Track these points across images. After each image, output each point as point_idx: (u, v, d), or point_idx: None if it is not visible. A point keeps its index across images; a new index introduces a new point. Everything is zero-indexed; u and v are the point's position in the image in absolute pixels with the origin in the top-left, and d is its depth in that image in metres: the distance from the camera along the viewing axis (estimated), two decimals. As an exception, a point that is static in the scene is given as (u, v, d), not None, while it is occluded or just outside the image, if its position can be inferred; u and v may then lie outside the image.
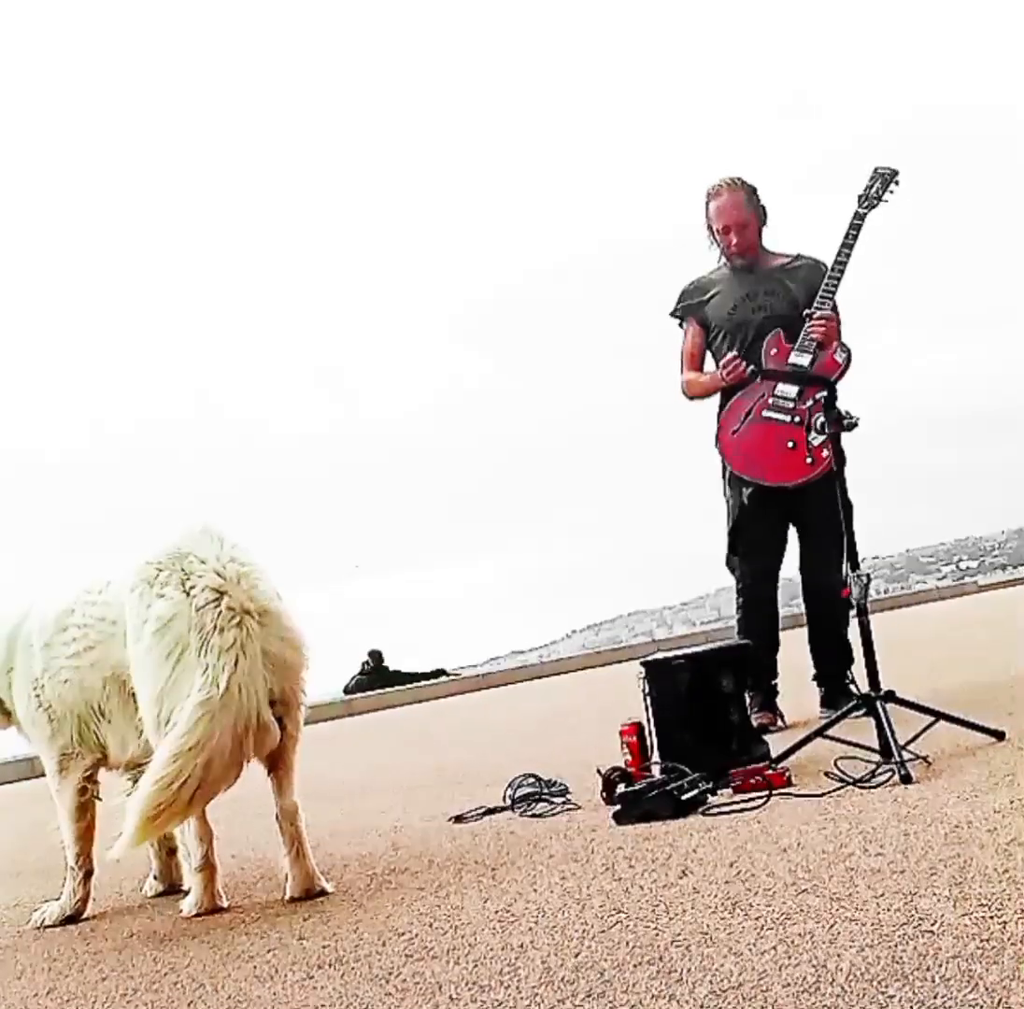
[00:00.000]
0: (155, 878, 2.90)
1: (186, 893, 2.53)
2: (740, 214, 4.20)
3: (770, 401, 4.03)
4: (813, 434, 3.59)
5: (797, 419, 3.88)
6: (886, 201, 4.06)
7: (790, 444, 3.93)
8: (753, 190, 4.23)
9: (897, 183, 4.06)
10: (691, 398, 4.35)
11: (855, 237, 4.04)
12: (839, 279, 4.04)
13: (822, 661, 4.27)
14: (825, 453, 3.59)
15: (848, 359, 4.02)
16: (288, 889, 2.47)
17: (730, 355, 4.07)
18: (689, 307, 4.32)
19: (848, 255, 4.04)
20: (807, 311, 4.01)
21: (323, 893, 2.46)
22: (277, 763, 2.46)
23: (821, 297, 4.02)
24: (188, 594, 2.36)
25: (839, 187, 4.18)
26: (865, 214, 4.05)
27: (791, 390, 3.99)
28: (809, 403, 3.38)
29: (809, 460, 3.43)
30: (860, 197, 4.06)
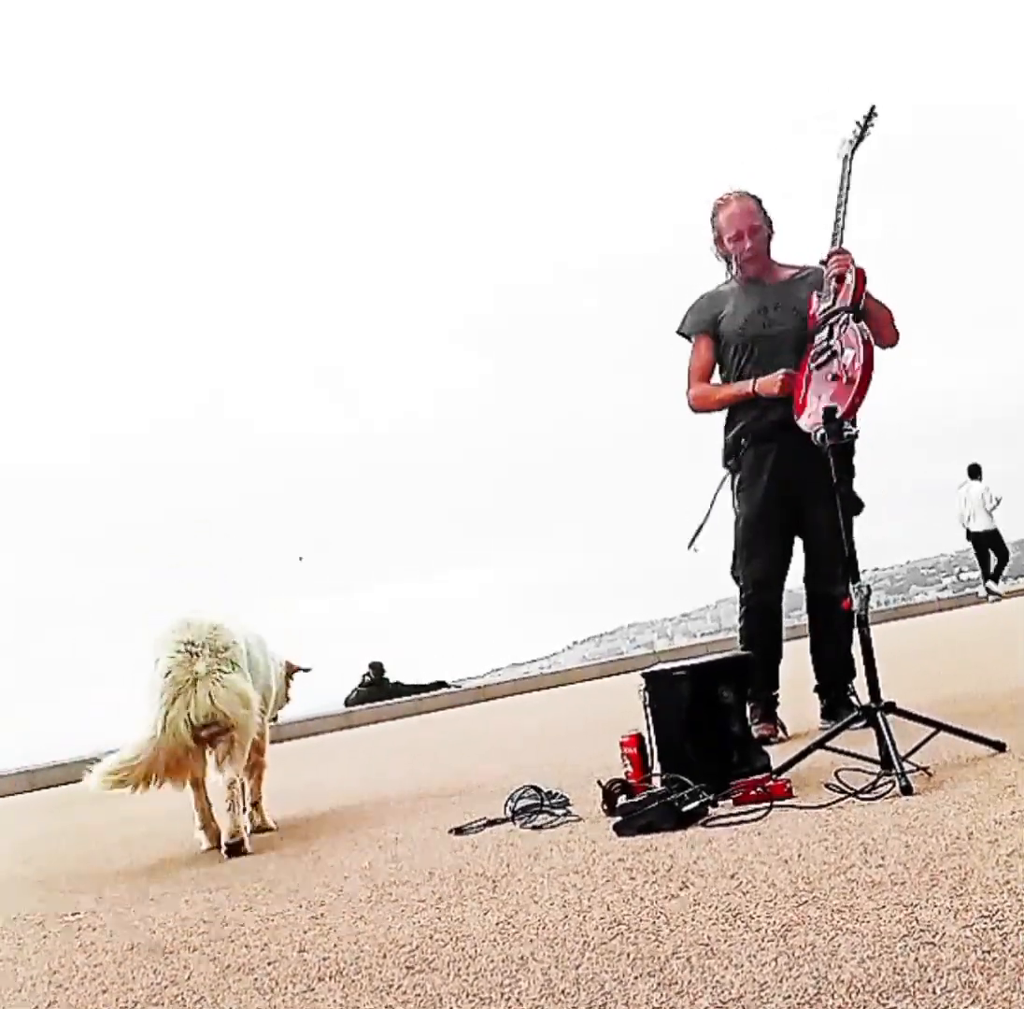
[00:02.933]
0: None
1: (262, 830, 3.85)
2: (752, 219, 4.22)
3: (812, 354, 3.98)
4: (846, 353, 3.76)
5: (834, 350, 3.91)
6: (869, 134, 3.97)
7: (831, 378, 3.89)
8: (760, 200, 4.24)
9: (877, 114, 3.95)
10: (697, 411, 4.34)
11: (850, 180, 3.94)
12: (842, 221, 3.95)
13: (823, 672, 4.28)
14: (857, 364, 3.73)
15: (858, 278, 3.95)
16: (221, 838, 3.47)
17: (784, 372, 4.04)
18: (700, 323, 4.32)
19: (847, 197, 3.94)
20: (821, 260, 3.99)
21: (243, 846, 3.40)
22: (223, 758, 3.51)
23: (832, 242, 3.96)
24: (156, 666, 3.46)
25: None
26: (852, 156, 3.95)
27: (823, 332, 3.97)
28: (839, 326, 3.70)
29: (845, 380, 3.54)
30: (850, 141, 3.96)
